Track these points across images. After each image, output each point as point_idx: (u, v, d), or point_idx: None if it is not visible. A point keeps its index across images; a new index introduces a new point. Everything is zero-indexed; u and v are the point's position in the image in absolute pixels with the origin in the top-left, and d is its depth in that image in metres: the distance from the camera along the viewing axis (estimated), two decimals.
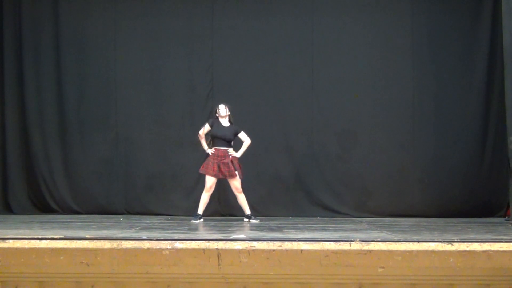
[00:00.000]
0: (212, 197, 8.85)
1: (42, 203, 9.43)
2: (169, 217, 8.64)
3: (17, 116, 9.50)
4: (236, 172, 7.88)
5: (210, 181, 7.91)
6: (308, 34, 9.35)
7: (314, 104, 9.29)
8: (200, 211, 7.95)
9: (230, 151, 7.96)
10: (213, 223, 7.55)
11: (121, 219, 8.25)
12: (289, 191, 9.29)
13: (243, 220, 8.05)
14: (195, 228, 6.74)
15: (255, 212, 8.31)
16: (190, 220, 7.79)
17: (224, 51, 9.41)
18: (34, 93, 9.48)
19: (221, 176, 7.94)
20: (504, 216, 8.74)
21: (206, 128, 8.02)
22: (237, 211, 8.74)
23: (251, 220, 7.94)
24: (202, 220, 7.87)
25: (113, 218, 8.30)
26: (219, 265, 4.70)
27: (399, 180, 9.17)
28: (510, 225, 7.39)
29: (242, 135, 8.09)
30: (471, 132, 9.13)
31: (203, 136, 8.02)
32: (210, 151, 7.93)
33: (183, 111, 9.40)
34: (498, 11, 8.66)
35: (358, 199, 9.23)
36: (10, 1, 9.53)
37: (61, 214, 9.21)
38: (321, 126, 9.31)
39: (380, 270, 4.68)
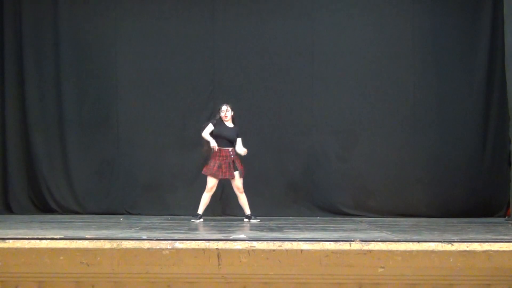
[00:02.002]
0: (212, 196, 8.84)
1: (42, 203, 9.43)
2: (169, 217, 8.63)
3: (18, 116, 9.50)
4: (237, 173, 7.85)
5: (212, 182, 7.88)
6: (308, 34, 9.35)
7: (314, 103, 9.29)
8: (200, 211, 7.94)
9: (232, 150, 7.91)
10: (213, 223, 7.55)
11: (121, 219, 8.25)
12: (289, 190, 9.29)
13: (243, 220, 8.04)
14: (195, 228, 6.74)
15: (255, 212, 8.29)
16: (190, 220, 7.78)
17: (225, 52, 9.40)
18: (35, 93, 9.48)
19: (221, 176, 7.89)
20: (504, 216, 8.74)
21: (210, 128, 7.93)
22: (237, 211, 8.74)
23: (251, 220, 7.94)
24: (202, 220, 7.85)
25: (113, 218, 8.30)
26: (219, 265, 4.70)
27: (399, 179, 9.17)
28: (510, 225, 7.39)
29: (239, 141, 8.01)
30: (471, 132, 9.13)
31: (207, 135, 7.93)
32: (215, 145, 7.81)
33: (184, 111, 9.40)
34: (498, 11, 8.67)
35: (358, 199, 9.23)
36: (10, 1, 9.53)
37: (61, 214, 9.21)
38: (321, 126, 9.31)
39: (380, 270, 4.68)
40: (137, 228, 6.38)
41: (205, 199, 7.96)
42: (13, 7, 9.52)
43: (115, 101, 9.47)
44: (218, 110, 8.08)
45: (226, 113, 7.95)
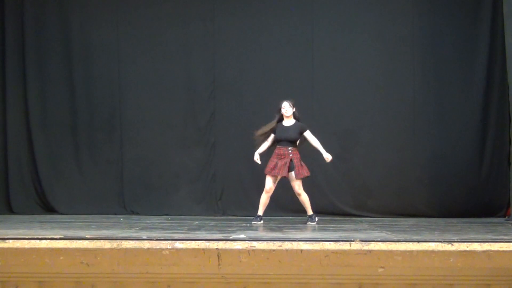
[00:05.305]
0: (213, 196, 8.86)
1: (43, 203, 9.44)
2: (169, 217, 8.63)
3: (19, 116, 9.53)
4: (293, 173, 7.45)
5: (268, 181, 7.53)
6: (308, 33, 9.35)
7: (314, 103, 9.29)
8: (260, 212, 7.59)
9: (292, 150, 7.51)
10: (213, 223, 7.53)
11: (121, 219, 8.25)
12: (289, 190, 9.26)
13: (243, 219, 7.98)
14: (195, 228, 6.73)
15: (255, 212, 8.26)
16: (251, 222, 7.47)
17: (225, 52, 9.42)
18: (37, 93, 9.52)
19: (275, 174, 7.47)
20: (504, 216, 8.74)
21: (271, 138, 7.69)
22: (237, 211, 8.73)
23: (308, 223, 7.48)
24: (262, 222, 7.49)
25: (113, 218, 8.30)
26: (219, 265, 4.70)
27: (399, 179, 9.16)
28: (510, 225, 7.39)
29: (308, 135, 7.63)
30: (471, 132, 9.12)
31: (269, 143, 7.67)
32: (257, 157, 7.62)
33: (185, 111, 9.41)
34: (497, 10, 8.68)
35: (359, 199, 9.23)
36: (13, 4, 9.54)
37: (61, 214, 9.21)
38: (321, 126, 9.27)
39: (380, 270, 4.68)
40: (137, 228, 6.37)
41: (263, 199, 7.60)
42: (15, 8, 9.54)
43: (118, 102, 9.49)
44: (279, 109, 7.71)
45: (288, 109, 7.60)
